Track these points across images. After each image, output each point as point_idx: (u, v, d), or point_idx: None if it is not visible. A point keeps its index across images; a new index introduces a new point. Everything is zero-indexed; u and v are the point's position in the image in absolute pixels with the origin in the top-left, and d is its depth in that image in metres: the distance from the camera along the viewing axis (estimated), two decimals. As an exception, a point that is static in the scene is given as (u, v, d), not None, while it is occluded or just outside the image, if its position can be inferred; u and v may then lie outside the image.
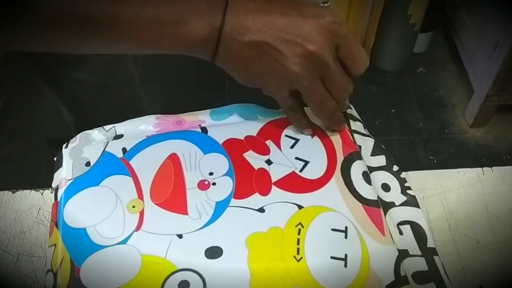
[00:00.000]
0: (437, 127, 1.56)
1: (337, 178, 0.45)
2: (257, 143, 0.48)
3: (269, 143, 0.48)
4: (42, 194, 0.48)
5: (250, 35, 0.40)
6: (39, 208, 0.47)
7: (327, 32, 0.41)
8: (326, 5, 0.44)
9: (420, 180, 0.49)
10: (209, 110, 0.51)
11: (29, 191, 0.48)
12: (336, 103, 0.45)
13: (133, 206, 0.43)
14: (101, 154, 0.47)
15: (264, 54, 0.41)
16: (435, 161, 1.47)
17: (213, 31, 0.40)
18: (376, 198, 0.44)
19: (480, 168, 0.49)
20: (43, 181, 0.50)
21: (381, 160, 0.48)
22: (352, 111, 0.52)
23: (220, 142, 0.47)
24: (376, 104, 1.61)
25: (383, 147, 0.49)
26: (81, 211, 0.43)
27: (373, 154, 0.49)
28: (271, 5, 0.41)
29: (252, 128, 0.49)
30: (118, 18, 0.38)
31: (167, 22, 0.39)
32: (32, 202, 0.47)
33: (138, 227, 0.42)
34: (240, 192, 0.44)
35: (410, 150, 1.50)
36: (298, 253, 0.40)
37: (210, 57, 0.42)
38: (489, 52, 1.39)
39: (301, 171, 0.46)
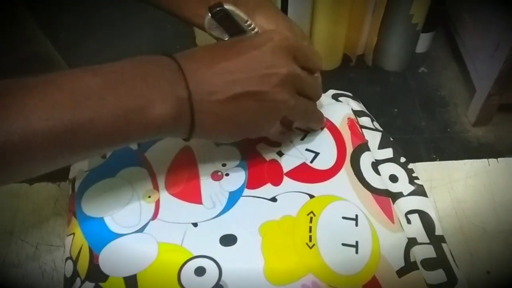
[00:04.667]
0: (439, 126, 1.57)
1: (346, 169, 0.46)
2: (268, 136, 0.49)
3: (280, 135, 0.49)
4: (59, 185, 0.49)
5: (223, 90, 0.38)
6: (56, 200, 0.48)
7: (285, 51, 0.40)
8: (255, 31, 0.43)
9: (427, 171, 0.50)
10: None
11: (46, 183, 0.49)
12: (314, 101, 0.46)
13: (149, 196, 0.44)
14: (117, 147, 0.48)
15: (246, 101, 0.39)
16: (437, 160, 1.48)
17: (183, 104, 0.37)
18: (385, 188, 0.45)
19: (486, 159, 0.50)
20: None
21: (388, 153, 0.49)
22: (360, 106, 0.53)
23: (232, 135, 0.49)
24: (379, 104, 1.62)
25: (391, 139, 0.50)
26: (98, 201, 0.44)
27: (380, 147, 0.50)
28: (222, 50, 0.40)
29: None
30: (78, 123, 0.34)
31: (132, 109, 0.36)
32: (49, 194, 0.48)
33: (154, 216, 0.43)
34: (253, 182, 0.45)
35: (412, 149, 1.51)
36: (310, 240, 0.41)
37: (187, 132, 0.39)
38: (491, 52, 1.40)
39: (311, 162, 0.47)
